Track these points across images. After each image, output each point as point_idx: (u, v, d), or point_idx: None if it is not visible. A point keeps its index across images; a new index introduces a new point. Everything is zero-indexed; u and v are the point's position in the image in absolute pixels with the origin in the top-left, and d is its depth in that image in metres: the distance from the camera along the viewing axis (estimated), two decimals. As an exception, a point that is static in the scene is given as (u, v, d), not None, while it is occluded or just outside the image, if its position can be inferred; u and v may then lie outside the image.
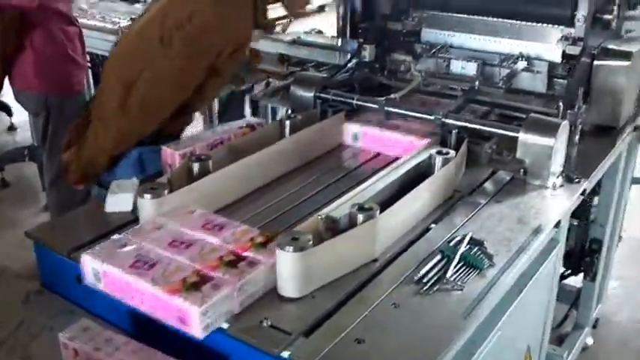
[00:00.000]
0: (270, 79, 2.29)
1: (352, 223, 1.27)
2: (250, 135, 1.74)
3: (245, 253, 1.21)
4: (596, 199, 2.25)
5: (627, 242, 3.24)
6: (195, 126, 3.08)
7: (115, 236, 1.27)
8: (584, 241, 2.25)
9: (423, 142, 1.70)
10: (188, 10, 1.88)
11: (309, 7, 8.13)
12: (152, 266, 1.16)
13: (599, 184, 2.15)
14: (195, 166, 1.50)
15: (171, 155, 1.64)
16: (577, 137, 1.78)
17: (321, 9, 8.65)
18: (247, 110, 2.75)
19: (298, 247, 1.16)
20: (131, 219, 1.44)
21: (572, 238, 2.24)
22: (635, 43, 1.97)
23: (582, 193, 1.65)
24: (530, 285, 1.47)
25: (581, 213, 2.20)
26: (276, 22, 2.88)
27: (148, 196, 1.37)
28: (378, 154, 1.82)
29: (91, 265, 1.19)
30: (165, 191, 1.38)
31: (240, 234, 1.27)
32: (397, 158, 1.67)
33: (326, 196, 1.57)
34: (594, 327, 2.63)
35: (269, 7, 1.98)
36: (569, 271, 2.35)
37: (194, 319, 1.07)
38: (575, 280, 2.45)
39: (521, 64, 1.97)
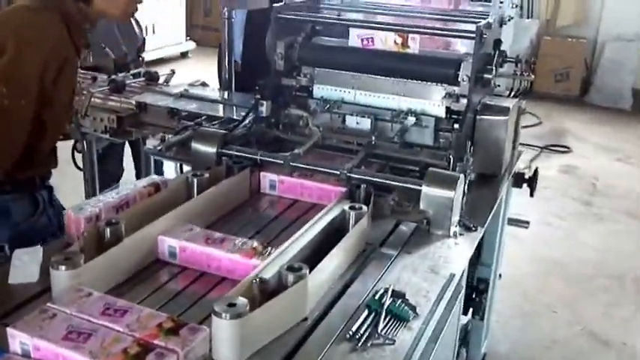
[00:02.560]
0: (164, 134, 2.25)
1: (283, 284, 1.28)
2: (158, 195, 1.70)
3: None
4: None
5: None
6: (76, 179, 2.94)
7: (42, 307, 1.18)
8: (472, 281, 2.40)
9: (338, 189, 1.79)
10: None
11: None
12: (87, 338, 1.10)
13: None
14: (107, 231, 1.44)
15: (76, 220, 1.56)
16: (466, 187, 1.92)
17: (184, 55, 8.64)
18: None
19: (235, 313, 1.15)
20: (39, 290, 1.35)
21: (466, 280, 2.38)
22: (509, 99, 2.17)
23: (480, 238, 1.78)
24: (445, 330, 1.55)
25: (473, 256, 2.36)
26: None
27: (62, 267, 1.29)
28: (296, 201, 1.87)
29: (18, 339, 1.10)
30: (81, 260, 1.31)
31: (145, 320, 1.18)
32: (314, 205, 1.77)
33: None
34: (482, 361, 2.79)
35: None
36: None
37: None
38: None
39: (411, 120, 2.09)
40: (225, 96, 2.84)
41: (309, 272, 1.30)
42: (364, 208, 1.61)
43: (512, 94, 2.42)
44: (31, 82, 1.87)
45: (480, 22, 1.95)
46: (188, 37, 8.66)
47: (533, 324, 3.23)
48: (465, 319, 2.59)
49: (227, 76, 2.92)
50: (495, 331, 3.12)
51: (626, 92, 6.90)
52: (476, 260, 2.38)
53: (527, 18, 7.42)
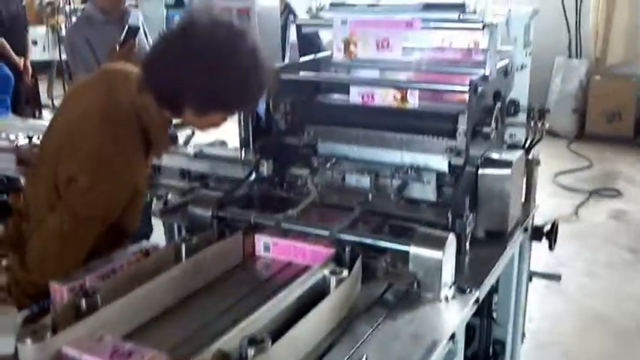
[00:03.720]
0: (170, 195, 2.28)
1: (243, 358, 1.25)
2: (143, 262, 1.70)
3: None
4: (495, 297, 2.32)
5: (534, 334, 3.34)
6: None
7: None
8: (488, 341, 2.29)
9: (329, 251, 1.75)
10: (68, 171, 1.74)
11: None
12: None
13: (497, 281, 2.22)
14: (82, 302, 1.45)
15: (60, 290, 1.58)
16: (467, 246, 1.85)
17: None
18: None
19: (186, 390, 1.12)
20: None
21: (477, 340, 2.28)
22: (516, 151, 2.10)
23: (475, 302, 1.70)
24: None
25: (484, 312, 2.26)
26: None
27: (28, 340, 1.30)
28: (290, 263, 1.84)
29: None
30: (48, 334, 1.32)
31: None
32: (307, 267, 1.71)
33: (227, 320, 1.53)
34: None
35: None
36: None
37: None
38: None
39: (412, 175, 2.05)
40: (243, 155, 2.86)
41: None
42: (345, 272, 1.57)
43: (527, 144, 2.34)
44: (96, 214, 1.78)
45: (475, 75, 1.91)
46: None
47: (572, 383, 3.05)
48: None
49: (244, 133, 2.95)
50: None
51: (681, 131, 6.63)
52: (491, 318, 2.28)
53: (576, 58, 7.28)
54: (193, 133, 3.06)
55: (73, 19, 7.75)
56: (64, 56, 7.62)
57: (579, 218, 4.87)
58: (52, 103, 7.95)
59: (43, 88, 7.65)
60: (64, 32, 7.70)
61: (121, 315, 1.48)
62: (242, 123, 2.98)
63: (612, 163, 6.22)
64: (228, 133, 3.39)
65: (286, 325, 1.37)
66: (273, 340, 1.28)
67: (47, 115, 6.65)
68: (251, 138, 2.98)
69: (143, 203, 1.98)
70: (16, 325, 1.44)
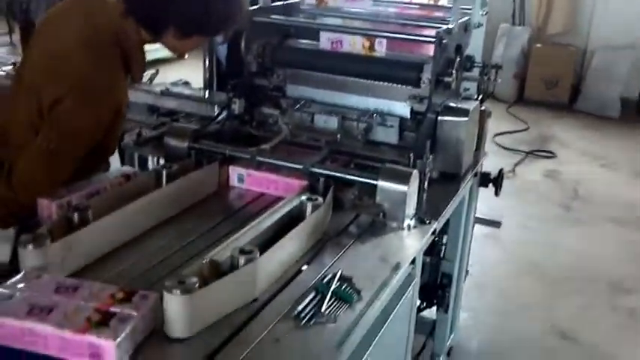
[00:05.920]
0: (142, 129, 2.34)
1: (234, 266, 1.38)
2: (127, 184, 1.80)
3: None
4: (445, 238, 2.52)
5: (473, 277, 3.60)
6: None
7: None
8: (436, 276, 2.49)
9: (301, 183, 1.88)
10: (53, 95, 1.81)
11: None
12: (50, 311, 1.20)
13: (447, 224, 2.41)
14: (75, 216, 1.54)
15: (48, 206, 1.66)
16: (426, 184, 2.02)
17: (180, 56, 8.75)
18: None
19: (185, 289, 1.25)
20: (8, 269, 1.45)
21: (427, 273, 2.48)
22: (471, 102, 2.27)
23: (433, 233, 1.88)
24: (393, 317, 1.64)
25: (434, 251, 2.46)
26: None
27: (30, 246, 1.38)
28: (263, 194, 1.96)
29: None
30: (47, 241, 1.41)
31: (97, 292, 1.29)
32: (280, 198, 1.83)
33: (210, 238, 1.67)
34: (448, 355, 2.88)
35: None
36: (425, 304, 2.60)
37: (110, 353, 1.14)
38: (431, 313, 2.69)
39: (377, 119, 2.19)
40: (207, 95, 2.94)
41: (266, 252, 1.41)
42: (320, 199, 1.71)
43: (480, 97, 2.51)
44: (82, 134, 1.86)
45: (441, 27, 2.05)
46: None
47: (506, 322, 3.32)
48: (431, 313, 2.70)
49: (209, 75, 3.03)
50: (468, 327, 3.22)
51: (614, 100, 6.99)
52: (441, 256, 2.48)
53: (519, 25, 7.54)
54: (157, 71, 3.12)
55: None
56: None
57: (516, 176, 5.17)
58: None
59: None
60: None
61: (112, 230, 1.58)
62: (207, 65, 3.07)
63: (548, 127, 6.55)
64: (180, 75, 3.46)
65: (268, 244, 1.50)
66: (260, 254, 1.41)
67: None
68: (215, 79, 3.08)
69: (123, 124, 2.06)
70: (11, 236, 1.52)
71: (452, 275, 2.49)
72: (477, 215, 2.81)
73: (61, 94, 1.80)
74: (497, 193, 2.58)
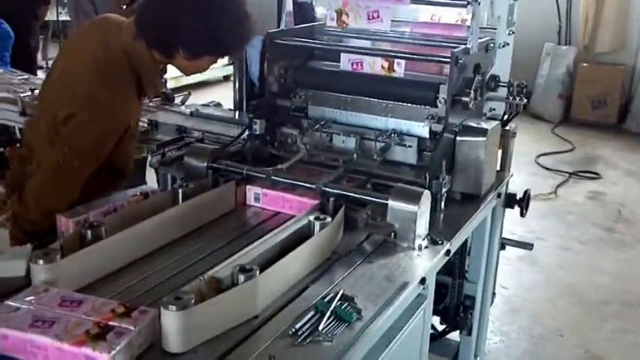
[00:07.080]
0: (167, 149, 2.41)
1: (234, 283, 1.40)
2: (143, 203, 1.85)
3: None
4: (468, 259, 2.49)
5: (508, 300, 3.54)
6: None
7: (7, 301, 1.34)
8: (459, 296, 2.46)
9: (314, 202, 1.90)
10: (67, 111, 1.92)
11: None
12: (52, 324, 1.25)
13: (468, 245, 2.38)
14: (88, 233, 1.59)
15: (65, 223, 1.72)
16: (442, 204, 2.01)
17: (226, 78, 8.92)
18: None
19: (181, 305, 1.28)
20: (24, 283, 1.51)
21: (450, 295, 2.46)
22: (492, 122, 2.25)
23: (447, 254, 1.86)
24: (400, 337, 1.63)
25: (457, 272, 2.43)
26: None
27: (40, 261, 1.44)
28: (278, 213, 2.00)
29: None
30: (58, 256, 1.46)
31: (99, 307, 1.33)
32: (293, 216, 1.85)
33: (221, 256, 1.68)
34: (474, 380, 2.83)
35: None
36: (449, 327, 2.56)
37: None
38: (456, 336, 2.65)
39: (394, 139, 2.20)
40: (237, 116, 3.00)
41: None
42: (328, 218, 1.72)
43: (506, 117, 2.49)
44: (87, 149, 1.94)
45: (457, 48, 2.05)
46: (230, 61, 8.92)
47: (537, 346, 3.24)
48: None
49: (239, 97, 3.09)
50: (498, 351, 3.15)
51: (664, 120, 6.80)
52: (463, 278, 2.45)
53: (565, 45, 7.42)
54: (189, 93, 3.21)
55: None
56: (60, 17, 7.69)
57: (558, 197, 5.05)
58: (47, 64, 7.99)
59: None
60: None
61: (123, 246, 1.63)
62: (237, 87, 3.13)
63: (594, 147, 6.39)
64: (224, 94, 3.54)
65: (273, 262, 1.52)
66: (261, 272, 1.43)
67: (42, 75, 6.71)
68: (244, 101, 3.14)
69: (136, 144, 2.15)
70: (28, 253, 1.58)
71: (475, 297, 2.45)
72: (505, 237, 2.76)
73: (73, 110, 1.91)
74: (522, 214, 2.54)
